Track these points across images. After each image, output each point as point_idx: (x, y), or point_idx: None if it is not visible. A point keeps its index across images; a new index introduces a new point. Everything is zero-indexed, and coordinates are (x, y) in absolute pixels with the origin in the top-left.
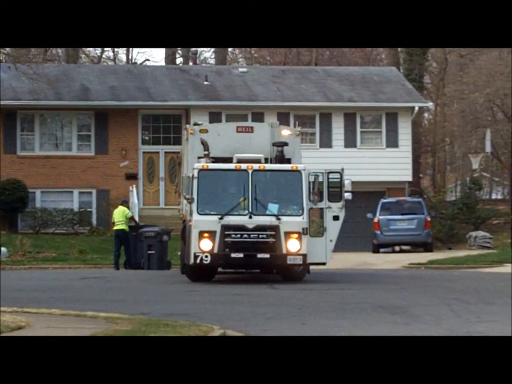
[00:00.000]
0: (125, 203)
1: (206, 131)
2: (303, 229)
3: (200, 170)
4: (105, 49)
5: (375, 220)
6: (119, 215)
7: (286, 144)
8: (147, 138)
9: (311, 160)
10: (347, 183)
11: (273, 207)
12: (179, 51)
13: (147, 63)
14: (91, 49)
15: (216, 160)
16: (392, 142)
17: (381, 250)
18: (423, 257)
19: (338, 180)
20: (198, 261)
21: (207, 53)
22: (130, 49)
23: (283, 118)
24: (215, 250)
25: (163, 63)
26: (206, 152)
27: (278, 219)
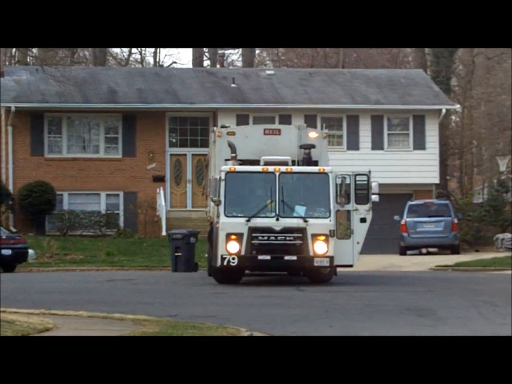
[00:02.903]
0: None
1: (233, 133)
2: (330, 231)
3: (228, 173)
4: (133, 51)
5: (402, 222)
6: None
7: (313, 146)
8: (174, 140)
9: (338, 162)
10: (374, 185)
11: (300, 209)
12: (206, 54)
13: (174, 65)
14: (118, 51)
15: (243, 162)
16: (419, 144)
17: (408, 252)
18: (450, 259)
19: (365, 182)
20: (225, 263)
21: (234, 56)
22: (158, 51)
23: (310, 121)
24: (242, 252)
25: (190, 65)
26: (234, 155)
27: (305, 221)
